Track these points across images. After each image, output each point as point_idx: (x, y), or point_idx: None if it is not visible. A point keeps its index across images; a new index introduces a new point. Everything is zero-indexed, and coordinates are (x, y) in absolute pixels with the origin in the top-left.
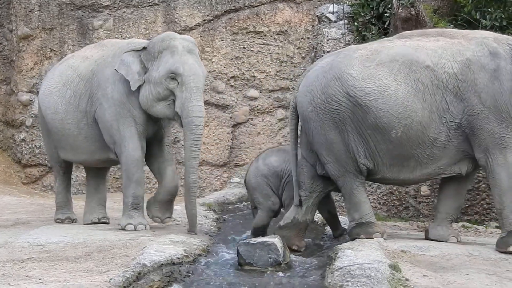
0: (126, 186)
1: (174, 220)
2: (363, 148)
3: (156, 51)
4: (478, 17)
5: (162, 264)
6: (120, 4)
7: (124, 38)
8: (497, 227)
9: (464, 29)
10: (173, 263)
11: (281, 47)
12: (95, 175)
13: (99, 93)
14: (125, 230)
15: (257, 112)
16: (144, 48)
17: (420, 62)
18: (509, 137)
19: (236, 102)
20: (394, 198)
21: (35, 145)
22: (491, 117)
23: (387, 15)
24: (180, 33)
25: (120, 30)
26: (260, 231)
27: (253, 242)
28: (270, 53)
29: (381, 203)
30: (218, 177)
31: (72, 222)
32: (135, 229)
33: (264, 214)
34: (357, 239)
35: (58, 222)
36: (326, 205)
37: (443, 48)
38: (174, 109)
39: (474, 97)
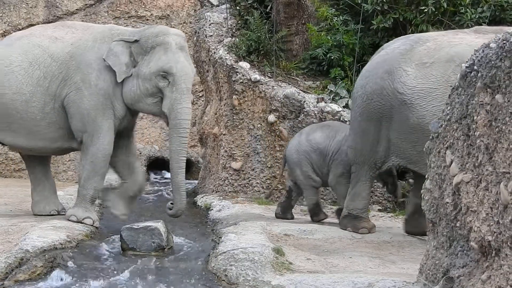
0: (89, 178)
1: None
2: (396, 148)
3: (149, 45)
4: (359, 1)
5: (45, 249)
6: None
7: (5, 23)
8: (379, 210)
9: (345, 14)
10: (56, 249)
11: None
12: (41, 160)
13: (77, 77)
14: (82, 223)
15: None
16: (136, 41)
17: None
18: None
19: None
20: (278, 182)
21: None
22: None
23: None
24: (61, 18)
25: (1, 15)
26: (316, 209)
27: (136, 227)
28: None
29: (264, 187)
30: None
31: None
32: (93, 224)
33: (310, 193)
34: (241, 223)
35: None
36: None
37: None
38: (160, 107)
39: None
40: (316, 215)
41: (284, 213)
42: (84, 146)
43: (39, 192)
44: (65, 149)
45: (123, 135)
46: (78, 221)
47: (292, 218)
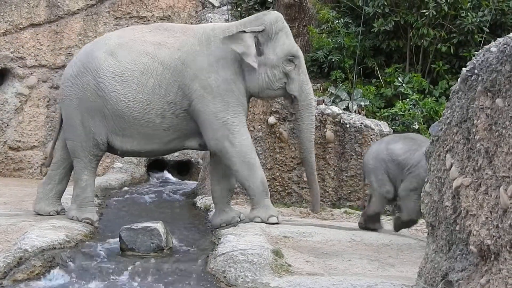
0: (250, 176)
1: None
2: None
3: (273, 32)
4: (361, 4)
5: (44, 249)
6: None
7: (6, 22)
8: None
9: (346, 16)
10: (55, 248)
11: None
12: (68, 165)
13: (196, 84)
14: (267, 223)
15: None
16: (263, 30)
17: None
18: None
19: None
20: (277, 184)
21: None
22: None
23: (270, 1)
24: (62, 18)
25: (2, 14)
26: (374, 218)
27: (135, 228)
28: None
29: None
30: (101, 162)
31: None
32: (277, 221)
33: (377, 201)
34: (240, 225)
35: (88, 222)
36: None
37: None
38: (285, 91)
39: None
40: (372, 223)
41: (369, 223)
42: (224, 153)
43: (46, 191)
44: (174, 150)
45: None
46: (263, 222)
47: (381, 228)
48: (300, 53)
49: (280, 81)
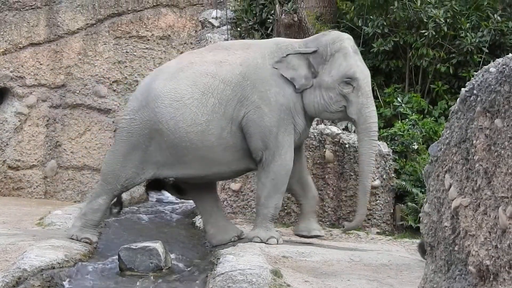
0: (269, 196)
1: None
2: None
3: (328, 54)
4: (360, 24)
5: (43, 269)
6: (2, 7)
7: (6, 41)
8: (378, 233)
9: None
10: (54, 268)
11: (164, 52)
12: (209, 191)
13: (254, 95)
14: (267, 243)
15: None
16: (315, 51)
17: None
18: None
19: (118, 107)
20: None
21: None
22: None
23: (270, 21)
24: (62, 37)
25: (2, 33)
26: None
27: (134, 247)
28: (153, 58)
29: None
30: None
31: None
32: (277, 243)
33: None
34: (239, 245)
35: (87, 242)
36: None
37: None
38: (344, 113)
39: None
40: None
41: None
42: (264, 164)
43: (213, 223)
44: (239, 172)
45: (295, 150)
46: (262, 242)
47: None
48: (360, 75)
49: (337, 103)
